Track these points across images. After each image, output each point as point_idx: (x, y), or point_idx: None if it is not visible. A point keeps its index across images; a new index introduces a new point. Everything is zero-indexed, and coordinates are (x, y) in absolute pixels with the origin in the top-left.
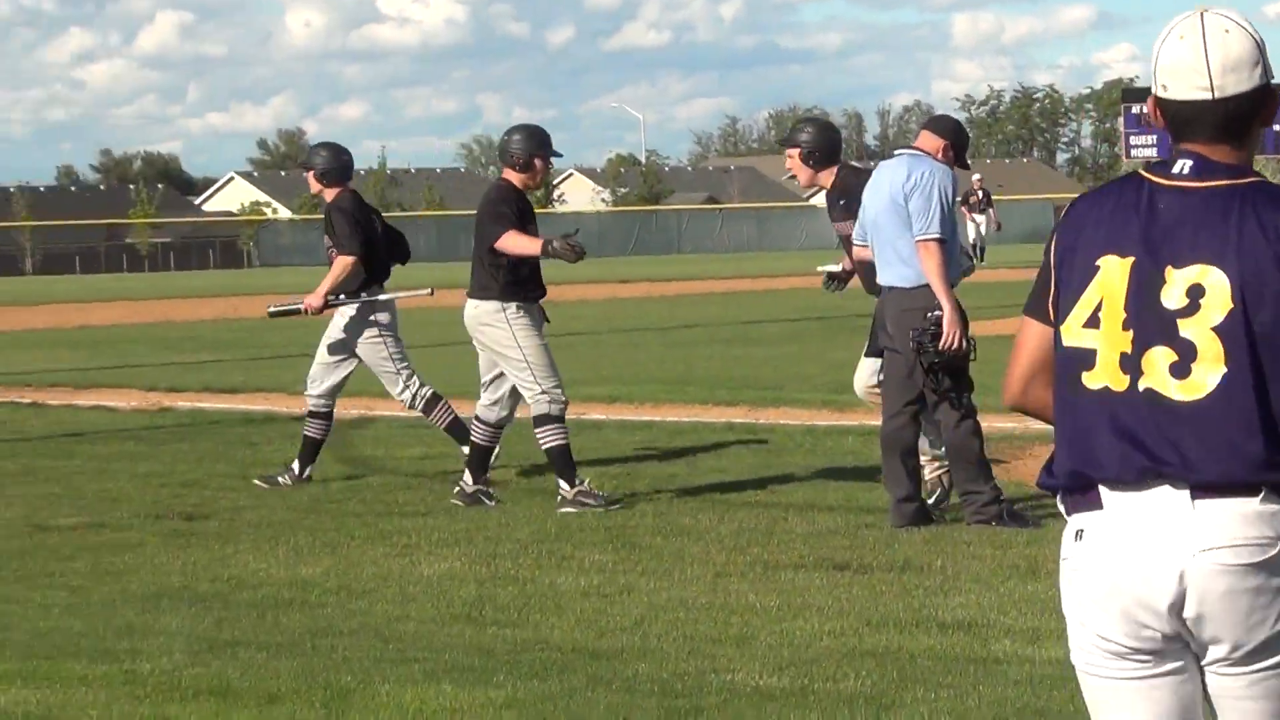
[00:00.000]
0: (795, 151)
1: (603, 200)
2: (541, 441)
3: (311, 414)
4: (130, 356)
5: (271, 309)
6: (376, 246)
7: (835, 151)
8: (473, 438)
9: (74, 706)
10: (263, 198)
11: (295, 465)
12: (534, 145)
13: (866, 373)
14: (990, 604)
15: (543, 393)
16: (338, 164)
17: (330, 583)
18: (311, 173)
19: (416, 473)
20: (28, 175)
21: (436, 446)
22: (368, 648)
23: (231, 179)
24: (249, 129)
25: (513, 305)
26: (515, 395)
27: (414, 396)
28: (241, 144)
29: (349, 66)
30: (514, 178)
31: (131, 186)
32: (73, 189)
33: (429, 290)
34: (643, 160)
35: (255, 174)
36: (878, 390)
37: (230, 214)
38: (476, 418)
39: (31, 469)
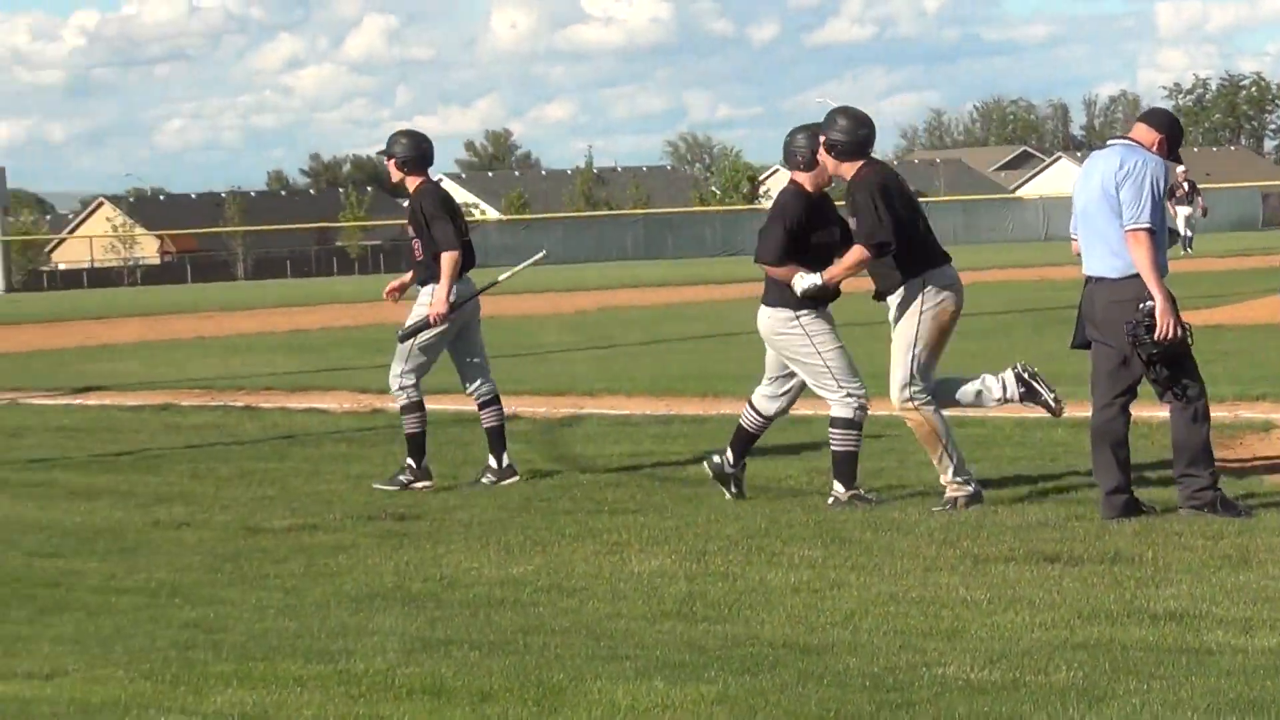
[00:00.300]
0: (821, 140)
1: None
2: (834, 443)
3: (481, 405)
4: (341, 359)
5: (401, 333)
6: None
7: (862, 146)
8: (742, 420)
9: (289, 707)
10: (470, 199)
11: (490, 460)
12: (818, 143)
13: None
14: (1202, 595)
15: (847, 395)
16: (418, 152)
17: (541, 581)
18: (392, 161)
19: (626, 469)
20: (239, 181)
21: (645, 444)
22: (579, 645)
23: (440, 181)
24: (456, 131)
25: (805, 313)
26: (795, 393)
27: (403, 389)
28: (449, 146)
29: (555, 67)
30: (802, 178)
31: (341, 190)
32: (283, 193)
33: (544, 252)
34: None
35: (463, 175)
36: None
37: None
38: (750, 403)
39: (246, 472)
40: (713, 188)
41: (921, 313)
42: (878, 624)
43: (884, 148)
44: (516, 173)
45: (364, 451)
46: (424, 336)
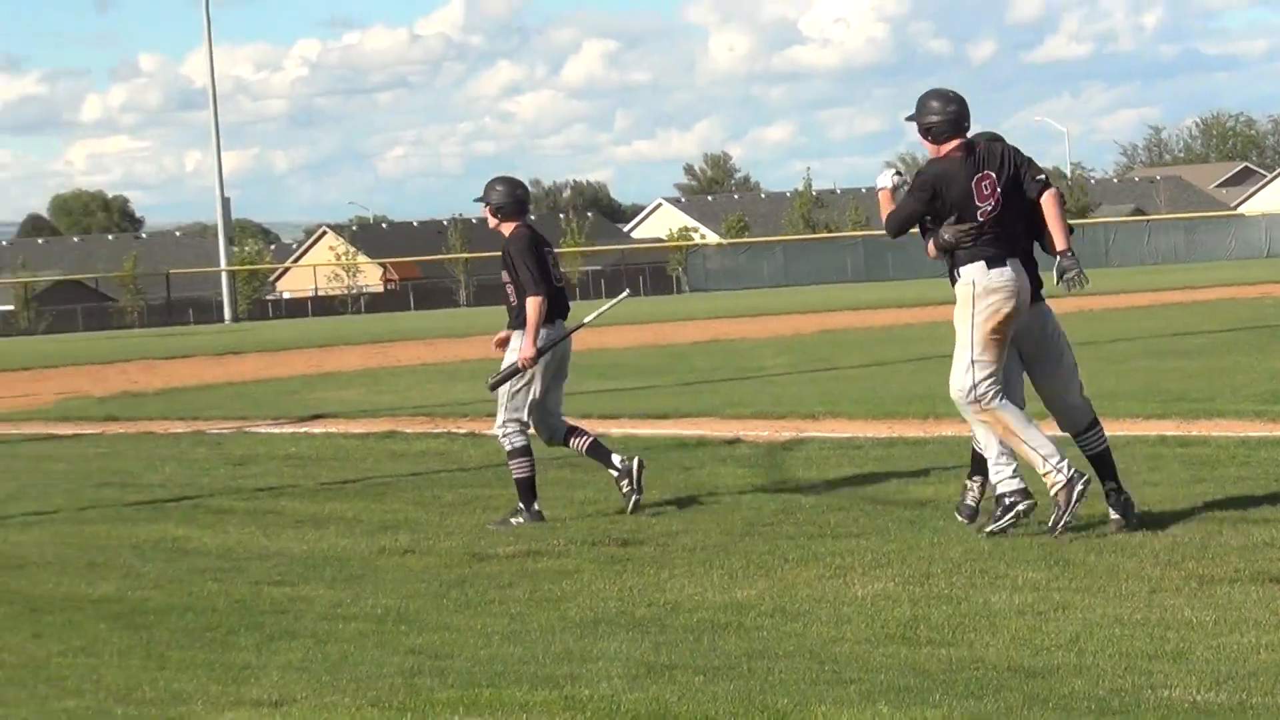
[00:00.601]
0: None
1: None
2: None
3: (565, 442)
4: None
5: (490, 381)
6: (553, 279)
7: (956, 124)
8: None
9: None
10: (691, 223)
11: (610, 472)
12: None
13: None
14: None
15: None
16: (512, 198)
17: (765, 605)
18: (489, 208)
19: (849, 493)
20: (461, 208)
21: (868, 467)
22: (803, 669)
23: (659, 205)
24: (675, 155)
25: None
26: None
27: (508, 436)
28: (668, 169)
29: (773, 89)
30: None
31: (562, 216)
32: None
33: (627, 292)
34: (1068, 173)
35: (682, 199)
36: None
37: (659, 240)
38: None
39: (470, 499)
40: None
41: (974, 315)
42: (1102, 646)
43: (1103, 165)
44: (736, 195)
45: (587, 477)
46: (516, 383)
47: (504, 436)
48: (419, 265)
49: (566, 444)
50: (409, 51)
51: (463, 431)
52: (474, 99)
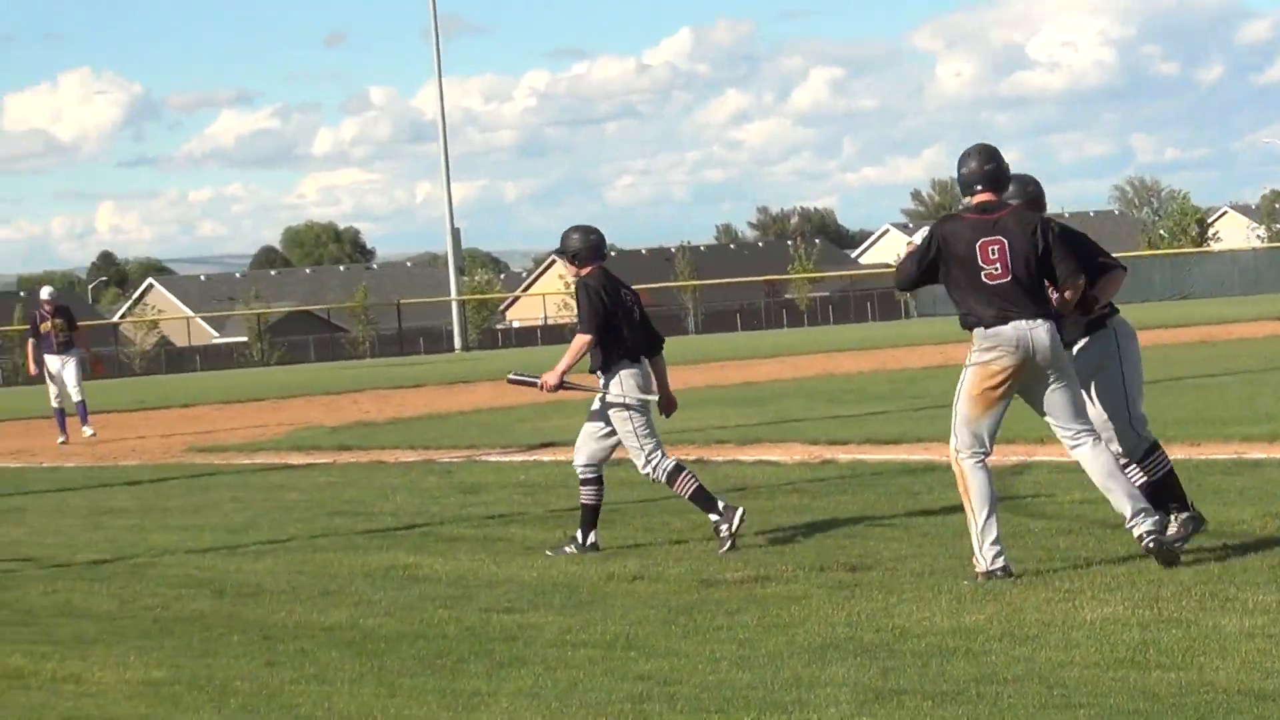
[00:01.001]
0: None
1: (1258, 237)
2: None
3: (582, 481)
4: (791, 411)
5: (511, 376)
6: (620, 324)
7: (968, 186)
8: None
9: None
10: None
11: (578, 534)
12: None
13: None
14: None
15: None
16: (586, 244)
17: (994, 629)
18: (565, 257)
19: (1078, 517)
20: (689, 235)
21: (1096, 491)
22: (1032, 694)
23: (886, 231)
24: (903, 180)
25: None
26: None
27: (654, 469)
28: (896, 195)
29: (1000, 114)
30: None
31: (789, 242)
32: (731, 247)
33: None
34: None
35: (910, 225)
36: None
37: (887, 266)
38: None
39: (698, 525)
40: (1160, 231)
41: (968, 368)
42: None
43: None
44: None
45: (814, 502)
46: (637, 422)
47: (654, 468)
48: (647, 293)
49: (582, 484)
50: (637, 81)
51: (691, 458)
52: (702, 127)
